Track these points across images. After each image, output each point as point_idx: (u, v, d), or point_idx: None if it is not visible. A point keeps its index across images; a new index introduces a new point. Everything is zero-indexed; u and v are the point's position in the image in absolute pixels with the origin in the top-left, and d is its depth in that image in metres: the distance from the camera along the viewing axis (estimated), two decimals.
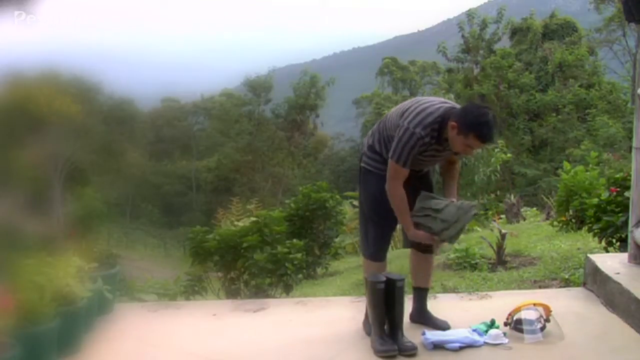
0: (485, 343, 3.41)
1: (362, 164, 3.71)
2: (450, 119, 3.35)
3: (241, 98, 41.80)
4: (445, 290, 5.40)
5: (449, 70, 33.57)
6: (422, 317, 3.74)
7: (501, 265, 6.36)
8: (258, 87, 40.66)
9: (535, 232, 8.76)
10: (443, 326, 3.61)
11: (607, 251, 5.36)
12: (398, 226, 3.80)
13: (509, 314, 3.55)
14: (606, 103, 29.10)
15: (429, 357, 3.31)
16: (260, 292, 6.31)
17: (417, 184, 3.65)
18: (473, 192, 8.87)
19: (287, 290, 6.63)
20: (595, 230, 5.55)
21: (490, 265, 6.41)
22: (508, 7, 35.00)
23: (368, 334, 3.56)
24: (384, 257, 3.73)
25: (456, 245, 7.09)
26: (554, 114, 30.31)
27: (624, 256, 4.33)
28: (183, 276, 6.97)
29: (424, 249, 3.75)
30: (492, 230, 8.41)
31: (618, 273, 3.99)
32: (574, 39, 32.21)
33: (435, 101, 3.51)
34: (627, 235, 4.37)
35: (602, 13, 30.22)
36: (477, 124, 3.30)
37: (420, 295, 3.80)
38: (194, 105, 43.15)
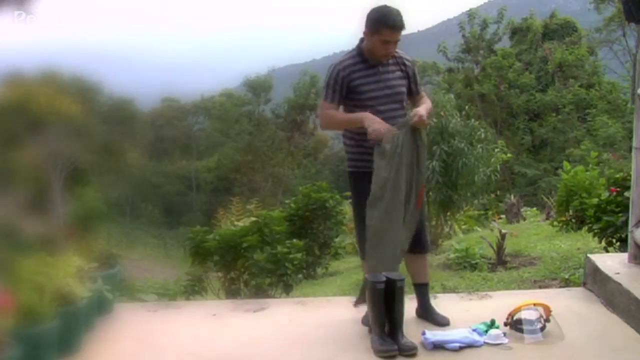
0: (485, 343, 3.41)
1: (347, 167, 3.80)
2: (363, 33, 3.56)
3: (241, 98, 41.73)
4: (445, 290, 5.40)
5: (449, 70, 33.53)
6: (424, 312, 3.79)
7: (501, 265, 6.36)
8: (258, 87, 40.61)
9: (535, 232, 8.76)
10: (443, 322, 3.65)
11: (607, 251, 5.36)
12: None
13: (509, 314, 3.55)
14: (606, 103, 29.08)
15: (429, 357, 3.31)
16: (260, 292, 6.32)
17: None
18: (473, 192, 8.84)
19: (287, 290, 6.64)
20: (595, 230, 5.55)
21: (490, 265, 6.41)
22: (508, 7, 34.97)
23: (366, 324, 3.60)
24: None
25: (456, 245, 7.10)
26: (554, 114, 30.28)
27: (624, 256, 4.33)
28: (183, 276, 6.98)
29: (418, 250, 3.78)
30: (492, 230, 8.41)
31: (618, 273, 3.98)
32: (574, 39, 32.17)
33: None
34: (627, 235, 4.37)
35: (602, 13, 30.16)
36: (381, 16, 3.49)
37: (421, 290, 3.83)
38: (194, 105, 43.06)
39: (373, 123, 3.41)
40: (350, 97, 3.58)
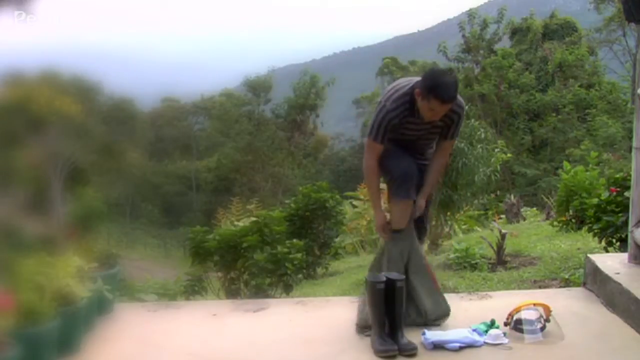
0: (485, 343, 3.41)
1: None
2: (416, 90, 3.50)
3: (241, 98, 41.78)
4: (445, 290, 5.38)
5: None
6: None
7: (501, 265, 6.36)
8: (258, 87, 40.65)
9: (535, 232, 8.76)
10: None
11: (607, 251, 5.36)
12: None
13: (509, 314, 3.55)
14: (606, 103, 29.11)
15: (429, 357, 3.31)
16: (260, 292, 6.31)
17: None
18: (473, 192, 8.84)
19: (287, 290, 6.63)
20: (595, 230, 5.55)
21: (490, 265, 6.41)
22: (508, 7, 35.01)
23: (359, 332, 3.61)
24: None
25: (456, 245, 7.10)
26: (554, 114, 30.32)
27: (624, 256, 4.33)
28: (183, 276, 6.98)
29: None
30: (492, 230, 8.41)
31: (618, 273, 3.99)
32: (574, 39, 32.21)
33: (412, 80, 3.63)
34: (627, 235, 4.37)
35: (602, 13, 30.20)
36: (434, 86, 3.41)
37: None
38: (194, 105, 43.08)
39: (379, 227, 3.74)
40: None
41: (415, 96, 3.48)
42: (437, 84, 3.41)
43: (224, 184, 37.82)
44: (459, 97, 3.60)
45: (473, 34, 32.81)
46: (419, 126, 3.60)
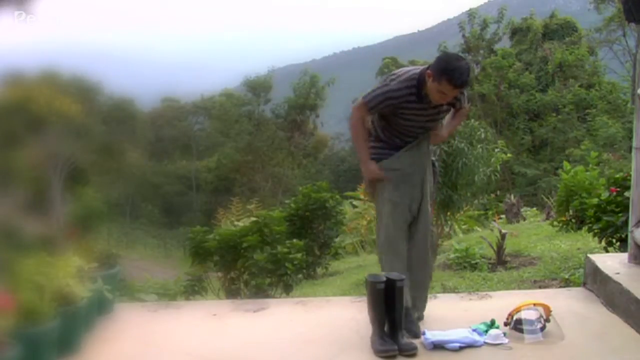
0: (485, 343, 3.41)
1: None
2: (427, 71, 3.48)
3: (241, 98, 41.75)
4: (445, 290, 5.40)
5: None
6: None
7: (501, 265, 6.36)
8: (258, 87, 40.62)
9: (535, 232, 8.76)
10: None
11: (607, 251, 5.36)
12: None
13: (509, 314, 3.55)
14: (606, 103, 29.08)
15: (429, 357, 3.31)
16: (260, 292, 6.31)
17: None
18: (473, 192, 8.83)
19: (287, 290, 6.63)
20: (595, 230, 5.55)
21: (490, 265, 6.42)
22: (508, 7, 35.01)
23: None
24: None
25: (456, 245, 7.10)
26: (554, 114, 30.30)
27: (624, 256, 4.33)
28: (183, 276, 6.97)
29: None
30: (492, 230, 8.42)
31: (618, 273, 3.99)
32: (574, 39, 32.19)
33: (419, 67, 3.62)
34: (627, 235, 4.37)
35: (602, 13, 30.18)
36: (448, 69, 3.39)
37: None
38: (194, 105, 43.06)
39: (366, 175, 3.68)
40: (390, 112, 3.58)
41: (425, 77, 3.45)
42: (450, 68, 3.39)
43: (224, 184, 37.79)
44: None
45: (473, 34, 32.80)
46: (424, 112, 3.56)
